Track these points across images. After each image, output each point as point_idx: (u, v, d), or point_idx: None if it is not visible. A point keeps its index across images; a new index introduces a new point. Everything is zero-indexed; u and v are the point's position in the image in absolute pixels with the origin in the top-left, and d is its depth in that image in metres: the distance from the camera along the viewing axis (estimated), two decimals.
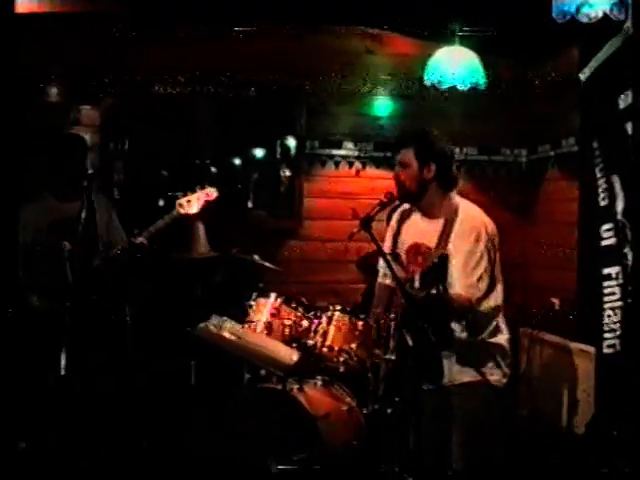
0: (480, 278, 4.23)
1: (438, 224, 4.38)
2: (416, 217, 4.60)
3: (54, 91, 6.64)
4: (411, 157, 4.42)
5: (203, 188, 5.54)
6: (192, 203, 5.46)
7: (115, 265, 5.27)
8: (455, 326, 4.33)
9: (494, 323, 4.39)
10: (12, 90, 4.59)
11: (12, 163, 4.61)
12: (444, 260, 3.77)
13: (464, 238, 4.26)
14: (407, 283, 4.12)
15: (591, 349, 5.56)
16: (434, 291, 3.75)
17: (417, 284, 3.89)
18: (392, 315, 4.52)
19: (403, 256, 4.55)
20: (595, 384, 5.38)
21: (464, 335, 4.34)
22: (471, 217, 4.38)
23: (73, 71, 6.54)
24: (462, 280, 4.17)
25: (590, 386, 5.44)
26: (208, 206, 5.55)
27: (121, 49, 6.58)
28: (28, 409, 4.99)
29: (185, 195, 5.48)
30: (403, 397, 4.46)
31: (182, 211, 5.43)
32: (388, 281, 4.75)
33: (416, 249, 4.47)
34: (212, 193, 5.53)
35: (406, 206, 4.69)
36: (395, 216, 4.77)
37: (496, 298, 4.36)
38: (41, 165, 5.43)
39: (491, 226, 4.37)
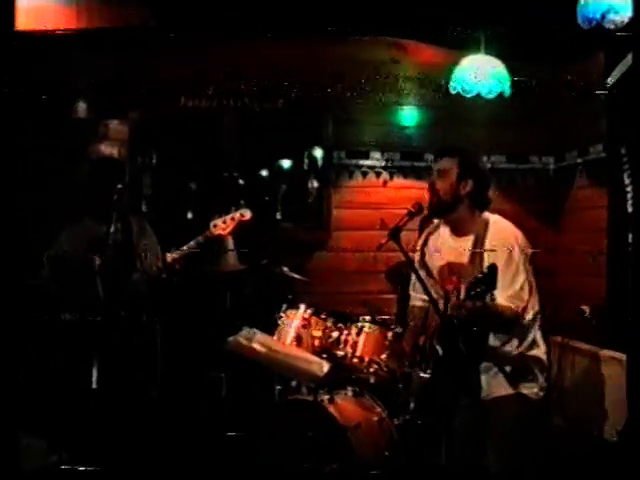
0: (521, 287, 4.20)
1: (468, 241, 4.37)
2: (445, 234, 4.58)
3: (82, 107, 6.70)
4: (453, 167, 4.42)
5: (237, 209, 5.57)
6: (227, 224, 5.49)
7: (151, 281, 5.30)
8: (494, 339, 4.27)
9: (531, 336, 4.34)
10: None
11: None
12: (494, 270, 3.76)
13: (497, 252, 4.23)
14: (442, 300, 4.13)
15: (622, 356, 5.52)
16: (479, 303, 3.75)
17: (462, 296, 3.89)
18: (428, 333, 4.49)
19: (436, 275, 4.50)
20: (627, 391, 5.35)
21: (503, 348, 4.30)
22: (501, 230, 4.38)
23: (99, 86, 6.59)
24: (504, 292, 4.11)
25: (622, 394, 5.39)
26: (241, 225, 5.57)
27: (147, 62, 6.64)
28: (60, 422, 5.03)
29: (220, 216, 5.51)
30: (435, 410, 4.43)
31: (216, 232, 5.46)
32: (419, 303, 4.72)
33: (449, 268, 4.42)
34: (246, 214, 5.55)
35: (435, 222, 4.69)
36: (423, 235, 4.75)
37: (534, 308, 4.32)
38: (78, 188, 5.48)
39: (522, 237, 4.36)
